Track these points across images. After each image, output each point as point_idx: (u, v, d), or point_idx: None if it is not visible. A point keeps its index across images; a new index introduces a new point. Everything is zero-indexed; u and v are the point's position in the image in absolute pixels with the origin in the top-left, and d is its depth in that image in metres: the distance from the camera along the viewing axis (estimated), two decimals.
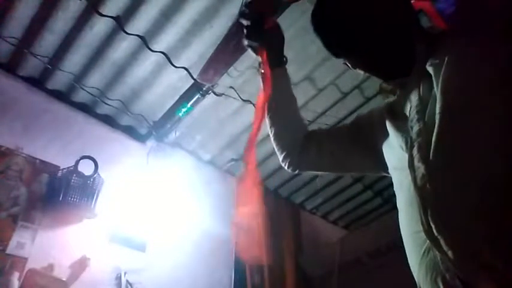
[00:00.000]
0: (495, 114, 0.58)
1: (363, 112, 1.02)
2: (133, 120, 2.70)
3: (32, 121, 2.29)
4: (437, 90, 0.64)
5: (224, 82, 2.41)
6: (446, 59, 0.65)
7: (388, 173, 0.87)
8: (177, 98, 2.50)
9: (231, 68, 2.22)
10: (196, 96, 2.38)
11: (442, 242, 0.57)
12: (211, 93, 2.43)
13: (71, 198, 2.12)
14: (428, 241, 0.60)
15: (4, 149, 2.11)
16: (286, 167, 1.05)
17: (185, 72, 2.32)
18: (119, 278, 2.22)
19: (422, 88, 0.70)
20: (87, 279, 2.12)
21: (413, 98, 0.71)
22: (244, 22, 0.99)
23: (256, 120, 0.93)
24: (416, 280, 0.66)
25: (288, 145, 1.03)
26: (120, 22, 2.03)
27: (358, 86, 2.64)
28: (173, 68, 2.29)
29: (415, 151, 0.66)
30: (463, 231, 0.56)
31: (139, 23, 2.05)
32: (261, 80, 1.05)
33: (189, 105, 2.44)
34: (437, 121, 0.62)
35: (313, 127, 2.70)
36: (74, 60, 2.24)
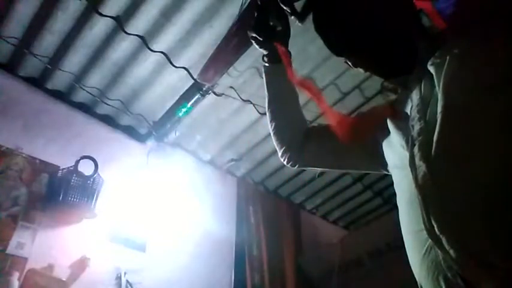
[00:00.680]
0: (496, 114, 0.58)
1: (364, 110, 1.02)
2: (133, 120, 2.70)
3: (32, 121, 2.30)
4: (438, 90, 0.64)
5: (224, 82, 2.41)
6: (448, 58, 0.65)
7: (388, 171, 0.87)
8: (177, 98, 2.50)
9: (231, 68, 2.22)
10: (196, 96, 2.38)
11: (443, 241, 0.57)
12: (211, 93, 2.43)
13: (71, 198, 2.12)
14: (429, 240, 0.60)
15: (4, 149, 2.11)
16: (285, 162, 1.05)
17: (185, 72, 2.32)
18: (119, 278, 2.22)
19: (424, 87, 0.70)
20: (87, 279, 2.12)
21: (415, 96, 0.71)
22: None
23: (315, 97, 0.90)
24: (417, 279, 0.66)
25: (288, 140, 1.03)
26: (120, 22, 2.03)
27: (358, 86, 2.64)
28: (173, 68, 2.29)
29: (416, 150, 0.66)
30: (465, 230, 0.56)
31: (139, 23, 2.05)
32: (264, 76, 1.03)
33: (189, 105, 2.44)
34: (438, 120, 0.62)
35: None
36: (74, 60, 2.25)
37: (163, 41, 2.15)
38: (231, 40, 1.95)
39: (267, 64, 1.01)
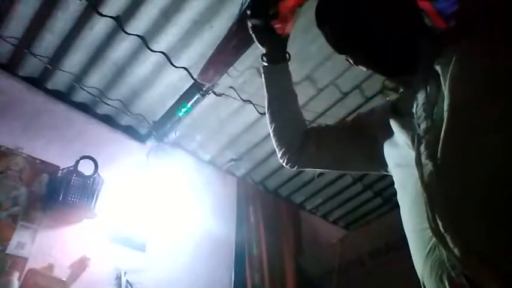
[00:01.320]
0: (504, 112, 0.58)
1: (364, 111, 1.02)
2: (133, 120, 2.70)
3: (32, 121, 2.30)
4: (445, 88, 0.64)
5: (224, 82, 2.41)
6: (454, 57, 0.65)
7: (386, 170, 0.87)
8: (177, 98, 2.50)
9: (231, 68, 2.22)
10: (196, 96, 2.38)
11: (448, 239, 0.57)
12: (211, 93, 2.43)
13: (71, 198, 2.12)
14: (434, 239, 0.59)
15: (4, 149, 2.11)
16: (284, 164, 1.05)
17: (185, 72, 2.32)
18: (119, 278, 2.22)
19: (430, 86, 0.69)
20: (87, 279, 2.12)
21: (420, 95, 0.71)
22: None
23: None
24: (420, 278, 0.66)
25: (287, 141, 1.02)
26: (120, 22, 2.03)
27: (358, 86, 2.64)
28: (173, 68, 2.29)
29: (422, 148, 0.66)
30: (470, 229, 0.56)
31: (139, 23, 2.05)
32: (263, 76, 1.02)
33: (189, 105, 2.44)
34: (445, 119, 0.62)
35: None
36: (74, 60, 2.25)
37: (163, 41, 2.15)
38: (231, 40, 1.95)
39: (266, 64, 1.01)
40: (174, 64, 2.27)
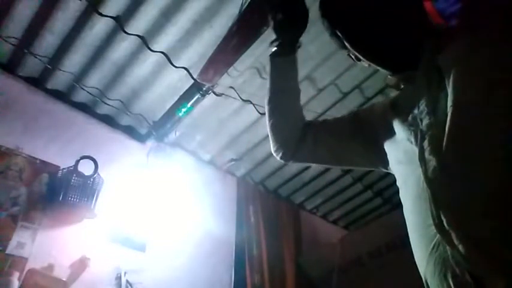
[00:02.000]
0: (506, 110, 0.57)
1: (363, 107, 1.01)
2: (133, 120, 2.70)
3: (32, 121, 2.30)
4: (448, 84, 0.64)
5: (224, 82, 2.41)
6: (457, 53, 0.65)
7: (386, 168, 0.86)
8: (177, 98, 2.50)
9: (231, 68, 2.22)
10: (196, 96, 2.38)
11: (453, 236, 0.56)
12: (211, 93, 2.43)
13: (71, 198, 2.12)
14: (438, 236, 0.59)
15: (4, 149, 2.11)
16: (278, 157, 1.03)
17: (185, 72, 2.32)
18: (118, 278, 2.22)
19: (432, 82, 0.69)
20: (87, 279, 2.12)
21: (423, 92, 0.70)
22: None
23: None
24: (422, 276, 0.65)
25: (285, 137, 1.01)
26: (120, 22, 2.03)
27: (358, 86, 2.64)
28: (173, 68, 2.29)
29: (426, 144, 0.65)
30: (475, 225, 0.55)
31: (139, 23, 2.05)
32: (271, 69, 1.01)
33: (189, 105, 2.44)
34: (449, 114, 0.62)
35: None
36: (74, 60, 2.24)
37: (163, 41, 2.15)
38: (231, 40, 1.95)
39: (277, 57, 0.99)
40: (174, 64, 2.27)
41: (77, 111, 2.55)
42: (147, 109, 2.63)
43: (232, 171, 3.29)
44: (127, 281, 2.23)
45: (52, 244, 2.09)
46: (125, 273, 2.25)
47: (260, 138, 2.92)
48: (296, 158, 1.03)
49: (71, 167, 2.21)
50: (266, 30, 1.64)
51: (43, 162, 2.23)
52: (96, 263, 2.18)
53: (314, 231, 3.72)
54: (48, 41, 2.14)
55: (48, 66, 2.28)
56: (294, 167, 3.17)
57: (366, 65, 0.87)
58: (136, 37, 2.11)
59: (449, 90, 0.64)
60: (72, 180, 2.15)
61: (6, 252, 1.92)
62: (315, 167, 3.17)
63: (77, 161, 2.22)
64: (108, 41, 2.15)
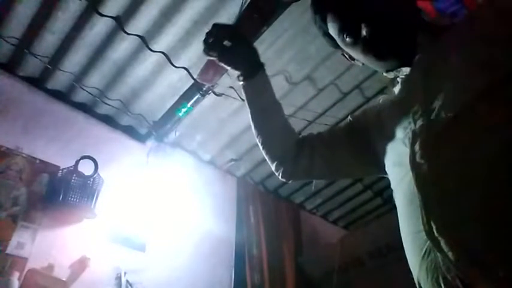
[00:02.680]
0: (503, 112, 0.56)
1: (355, 113, 1.00)
2: (133, 120, 2.70)
3: (32, 121, 2.29)
4: (443, 84, 0.63)
5: (224, 82, 2.40)
6: (452, 52, 0.64)
7: (384, 173, 0.84)
8: (177, 98, 2.50)
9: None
10: (196, 96, 2.38)
11: (442, 242, 0.56)
12: (211, 93, 2.43)
13: (71, 198, 2.12)
14: (429, 241, 0.58)
15: (4, 149, 2.11)
16: (280, 177, 1.01)
17: (185, 72, 2.32)
18: (119, 278, 2.22)
19: (427, 81, 0.68)
20: (87, 279, 2.12)
21: (417, 91, 0.69)
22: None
23: None
24: (416, 281, 0.65)
25: (279, 155, 0.99)
26: (120, 22, 2.03)
27: (358, 86, 2.64)
28: (173, 68, 2.29)
29: (417, 147, 0.63)
30: (464, 232, 0.55)
31: (139, 23, 2.05)
32: (244, 94, 1.00)
33: (189, 105, 2.44)
34: (442, 116, 0.61)
35: (313, 127, 2.73)
36: (74, 60, 2.24)
37: (163, 41, 2.15)
38: None
39: (242, 82, 0.98)
40: (174, 64, 2.27)
41: (77, 111, 2.55)
42: (147, 109, 2.63)
43: (232, 171, 3.29)
44: (127, 281, 2.23)
45: (52, 244, 2.09)
46: (125, 273, 2.25)
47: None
48: (296, 175, 1.01)
49: (71, 167, 2.21)
50: (266, 30, 1.64)
51: (43, 162, 2.22)
52: (96, 263, 2.18)
53: (314, 231, 3.72)
54: (48, 41, 2.14)
55: (48, 66, 2.28)
56: None
57: (360, 64, 0.86)
58: (136, 37, 2.11)
59: (444, 90, 0.63)
60: (72, 180, 2.15)
61: (6, 252, 1.91)
62: None
63: (77, 161, 2.22)
64: (108, 41, 2.15)
